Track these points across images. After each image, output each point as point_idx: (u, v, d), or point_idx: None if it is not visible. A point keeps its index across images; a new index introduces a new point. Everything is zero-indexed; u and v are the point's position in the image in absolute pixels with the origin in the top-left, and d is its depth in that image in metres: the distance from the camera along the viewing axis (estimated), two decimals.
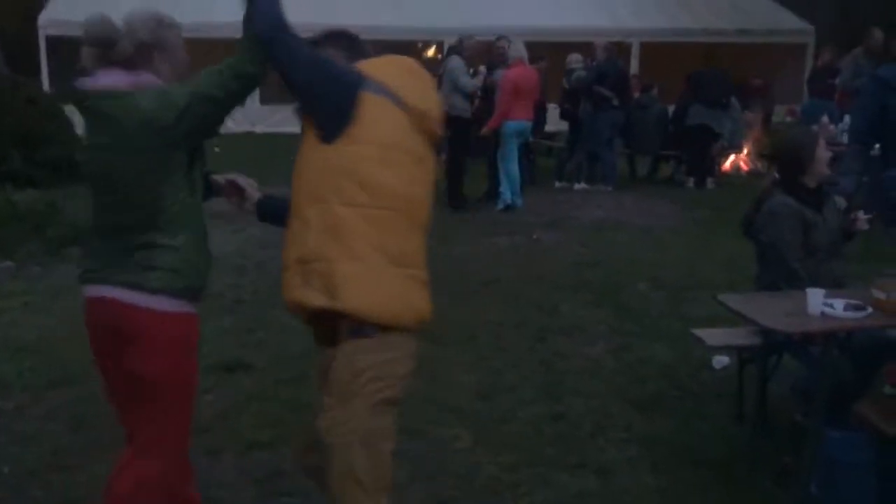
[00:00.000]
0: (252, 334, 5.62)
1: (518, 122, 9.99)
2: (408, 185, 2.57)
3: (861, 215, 4.21)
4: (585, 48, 12.34)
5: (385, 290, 2.50)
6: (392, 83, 2.58)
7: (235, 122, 17.61)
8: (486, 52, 10.71)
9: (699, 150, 12.07)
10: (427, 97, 2.70)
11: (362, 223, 2.48)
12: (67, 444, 4.08)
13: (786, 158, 4.24)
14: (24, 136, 10.59)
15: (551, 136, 13.67)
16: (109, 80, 2.67)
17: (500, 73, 10.12)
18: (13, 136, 10.50)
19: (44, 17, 17.96)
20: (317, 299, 2.48)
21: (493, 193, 10.50)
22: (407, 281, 2.55)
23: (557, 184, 12.07)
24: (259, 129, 17.62)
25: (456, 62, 9.96)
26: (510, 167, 10.18)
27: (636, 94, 12.74)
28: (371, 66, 2.64)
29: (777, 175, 4.33)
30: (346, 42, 2.77)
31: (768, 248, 4.10)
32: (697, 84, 12.03)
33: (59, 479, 3.76)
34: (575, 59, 12.22)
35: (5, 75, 12.34)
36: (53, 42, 17.76)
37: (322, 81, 2.54)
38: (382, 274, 2.49)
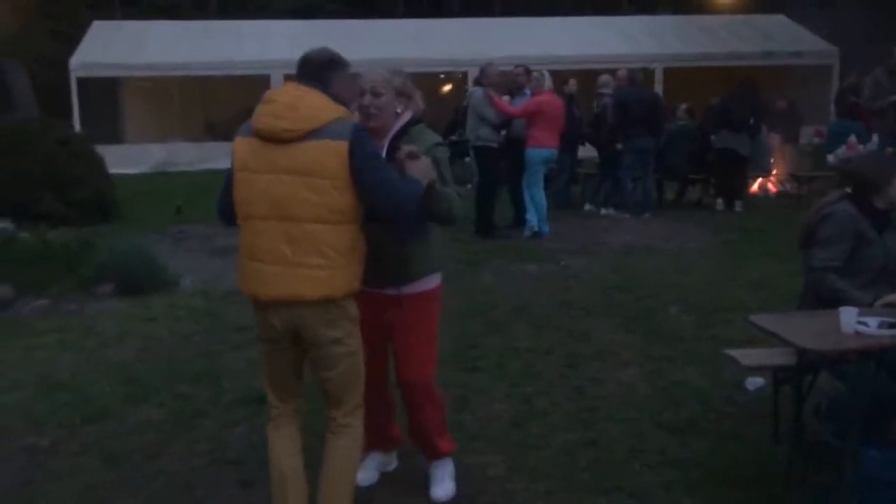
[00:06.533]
0: None
1: (546, 149, 10.01)
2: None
3: None
4: (611, 74, 12.42)
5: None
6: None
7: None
8: (507, 81, 10.77)
9: (727, 174, 12.04)
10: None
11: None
12: (101, 480, 4.09)
13: (862, 178, 4.22)
14: (56, 177, 10.78)
15: (579, 161, 13.68)
16: None
17: (519, 102, 10.21)
18: (45, 176, 10.69)
19: (74, 61, 18.33)
20: None
21: (519, 221, 10.52)
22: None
23: (587, 206, 12.28)
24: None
25: (479, 94, 10.02)
26: (536, 194, 10.20)
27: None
28: None
29: (848, 190, 4.29)
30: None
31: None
32: (724, 108, 12.00)
33: None
34: (604, 82, 12.25)
35: (36, 118, 12.55)
36: (84, 84, 18.11)
37: None
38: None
